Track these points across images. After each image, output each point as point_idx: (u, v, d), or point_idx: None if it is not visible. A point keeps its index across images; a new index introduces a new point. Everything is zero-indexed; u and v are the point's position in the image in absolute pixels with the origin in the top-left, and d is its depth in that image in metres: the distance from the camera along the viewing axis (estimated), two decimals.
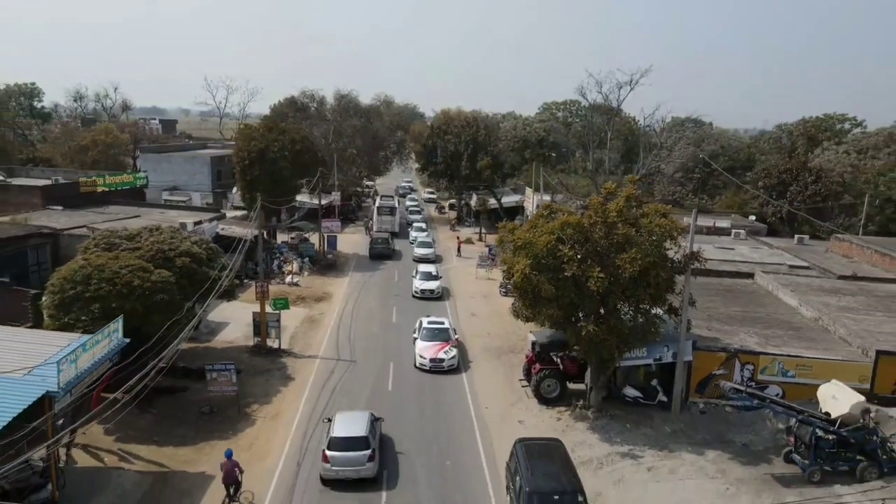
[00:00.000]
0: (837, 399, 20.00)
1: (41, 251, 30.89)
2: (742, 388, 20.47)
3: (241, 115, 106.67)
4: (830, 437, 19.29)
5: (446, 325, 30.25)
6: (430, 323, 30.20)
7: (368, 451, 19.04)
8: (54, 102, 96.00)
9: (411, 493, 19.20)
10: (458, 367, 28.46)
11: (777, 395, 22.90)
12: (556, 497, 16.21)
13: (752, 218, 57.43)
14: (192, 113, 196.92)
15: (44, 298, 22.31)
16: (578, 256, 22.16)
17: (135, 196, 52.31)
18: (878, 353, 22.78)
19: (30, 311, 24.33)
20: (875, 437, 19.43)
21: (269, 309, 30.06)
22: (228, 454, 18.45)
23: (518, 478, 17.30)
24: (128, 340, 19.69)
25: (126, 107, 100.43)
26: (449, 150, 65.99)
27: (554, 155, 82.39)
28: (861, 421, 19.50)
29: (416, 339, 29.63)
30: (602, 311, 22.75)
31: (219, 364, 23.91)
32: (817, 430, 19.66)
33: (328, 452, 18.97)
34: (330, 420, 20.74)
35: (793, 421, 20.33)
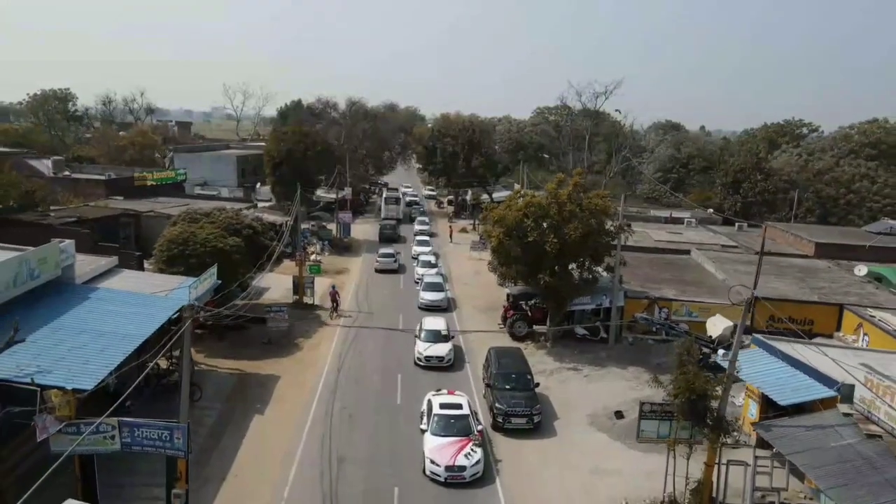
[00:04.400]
0: (716, 325, 28.55)
1: (127, 227, 39.45)
2: (648, 317, 29.05)
3: (256, 119, 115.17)
4: (707, 349, 27.84)
5: (465, 410, 22.38)
6: (443, 407, 22.41)
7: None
8: (85, 106, 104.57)
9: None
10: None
11: (684, 329, 31.43)
12: (514, 375, 24.84)
13: (710, 211, 66.03)
14: (198, 114, 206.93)
15: (153, 256, 30.86)
16: (540, 226, 30.74)
17: (175, 189, 61.02)
18: (756, 298, 31.26)
19: (134, 265, 32.80)
20: None
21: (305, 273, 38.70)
22: (333, 287, 32.70)
23: (489, 368, 25.95)
24: (220, 281, 28.15)
25: (150, 110, 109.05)
26: (447, 151, 74.59)
27: (547, 157, 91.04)
28: (730, 338, 28.01)
29: (423, 430, 22.08)
30: (556, 268, 31.31)
31: (275, 307, 32.54)
32: (702, 347, 28.16)
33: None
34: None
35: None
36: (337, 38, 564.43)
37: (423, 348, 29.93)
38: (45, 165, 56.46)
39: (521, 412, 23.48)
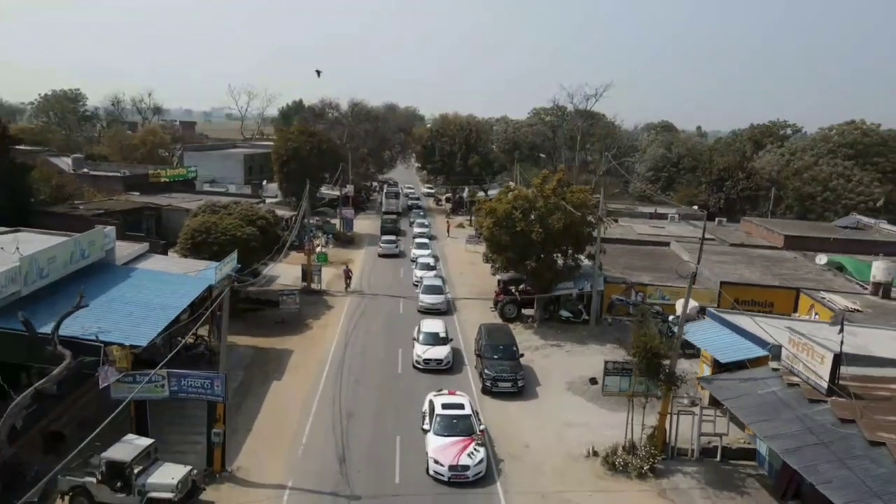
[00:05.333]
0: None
1: (150, 219, 42.78)
2: (623, 298, 32.39)
3: (259, 119, 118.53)
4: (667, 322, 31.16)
5: (467, 410, 22.66)
6: (445, 407, 22.64)
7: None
8: (94, 106, 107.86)
9: None
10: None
11: (658, 310, 34.76)
12: (501, 346, 28.22)
13: (695, 207, 69.42)
14: (198, 114, 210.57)
15: (177, 243, 34.19)
16: (527, 218, 34.07)
17: (187, 186, 64.32)
18: (722, 283, 34.65)
19: (159, 252, 36.12)
20: None
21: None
22: (347, 266, 37.17)
23: (480, 341, 29.33)
24: (240, 265, 31.46)
25: (157, 110, 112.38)
26: (445, 150, 77.96)
27: (543, 156, 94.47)
28: (696, 316, 31.35)
29: (425, 430, 22.42)
30: (542, 255, 34.66)
31: (287, 290, 35.90)
32: (671, 326, 31.50)
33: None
34: None
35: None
36: (338, 38, 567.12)
37: (422, 351, 29.73)
38: (65, 163, 59.67)
39: (507, 377, 26.85)
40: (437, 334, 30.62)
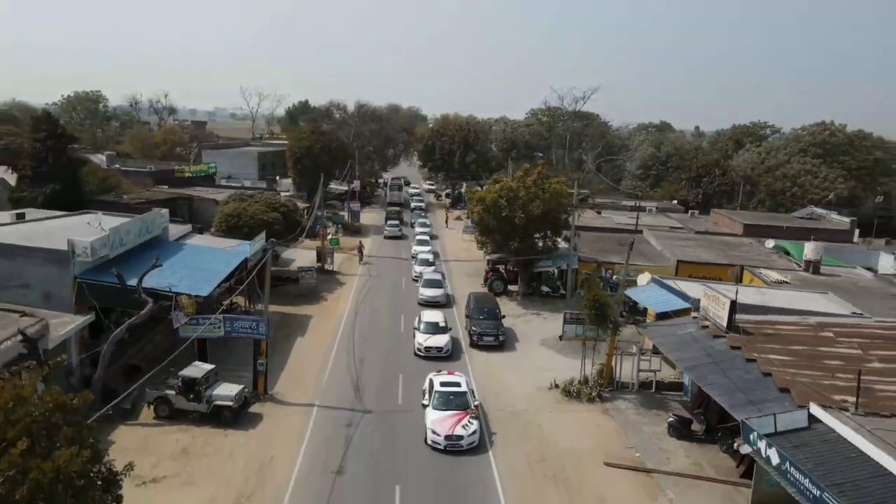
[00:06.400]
0: (643, 279, 37.63)
1: (183, 208, 48.68)
2: (592, 273, 38.19)
3: (270, 119, 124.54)
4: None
5: (463, 388, 24.76)
6: (443, 385, 24.66)
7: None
8: (113, 107, 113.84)
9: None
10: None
11: (608, 276, 40.46)
12: (486, 309, 34.11)
13: (675, 202, 75.14)
14: (202, 113, 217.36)
15: (212, 226, 40.07)
16: (511, 205, 39.86)
17: (207, 181, 70.19)
18: (678, 261, 40.45)
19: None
20: None
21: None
22: (360, 242, 43.44)
23: (468, 307, 35.21)
24: (267, 244, 37.25)
25: (173, 110, 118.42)
26: (445, 149, 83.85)
27: (540, 155, 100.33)
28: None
29: (425, 405, 24.45)
30: (524, 237, 40.47)
31: (305, 268, 41.81)
32: (616, 285, 37.25)
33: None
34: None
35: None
36: (340, 39, 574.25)
37: (423, 339, 31.52)
38: (99, 159, 65.59)
39: (490, 333, 32.73)
40: (436, 324, 32.66)
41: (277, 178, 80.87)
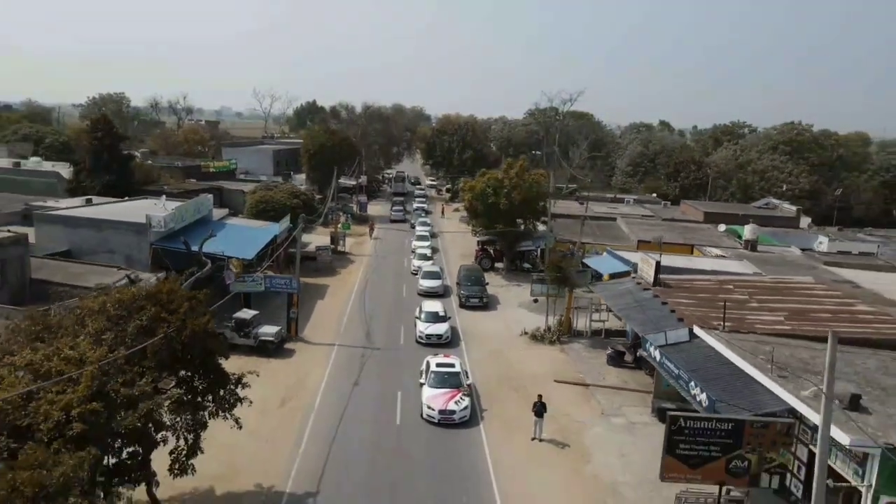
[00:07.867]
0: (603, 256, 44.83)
1: (216, 196, 55.99)
2: (564, 251, 45.47)
3: (282, 118, 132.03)
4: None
5: (457, 369, 26.60)
6: (438, 366, 26.62)
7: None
8: (136, 108, 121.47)
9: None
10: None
11: (571, 253, 47.59)
12: (473, 277, 41.47)
13: (654, 195, 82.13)
14: (209, 112, 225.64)
15: (245, 210, 47.48)
16: (497, 193, 47.08)
17: (229, 176, 77.64)
18: (639, 241, 47.59)
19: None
20: None
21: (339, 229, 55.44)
22: (371, 221, 53.46)
23: (459, 274, 42.59)
24: (291, 225, 44.55)
25: (190, 111, 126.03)
26: (445, 146, 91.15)
27: (538, 153, 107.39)
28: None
29: (422, 384, 26.34)
30: (508, 221, 47.71)
31: (323, 246, 49.24)
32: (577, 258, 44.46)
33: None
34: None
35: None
36: (344, 40, 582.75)
37: (424, 327, 33.47)
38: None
39: (475, 295, 40.05)
40: (436, 313, 34.72)
41: (291, 173, 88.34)
